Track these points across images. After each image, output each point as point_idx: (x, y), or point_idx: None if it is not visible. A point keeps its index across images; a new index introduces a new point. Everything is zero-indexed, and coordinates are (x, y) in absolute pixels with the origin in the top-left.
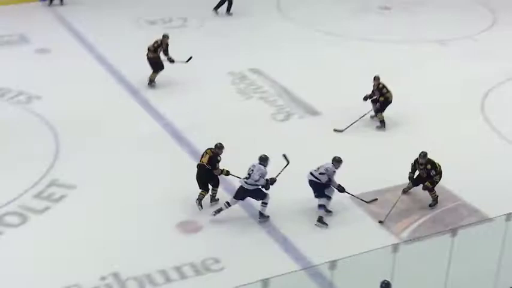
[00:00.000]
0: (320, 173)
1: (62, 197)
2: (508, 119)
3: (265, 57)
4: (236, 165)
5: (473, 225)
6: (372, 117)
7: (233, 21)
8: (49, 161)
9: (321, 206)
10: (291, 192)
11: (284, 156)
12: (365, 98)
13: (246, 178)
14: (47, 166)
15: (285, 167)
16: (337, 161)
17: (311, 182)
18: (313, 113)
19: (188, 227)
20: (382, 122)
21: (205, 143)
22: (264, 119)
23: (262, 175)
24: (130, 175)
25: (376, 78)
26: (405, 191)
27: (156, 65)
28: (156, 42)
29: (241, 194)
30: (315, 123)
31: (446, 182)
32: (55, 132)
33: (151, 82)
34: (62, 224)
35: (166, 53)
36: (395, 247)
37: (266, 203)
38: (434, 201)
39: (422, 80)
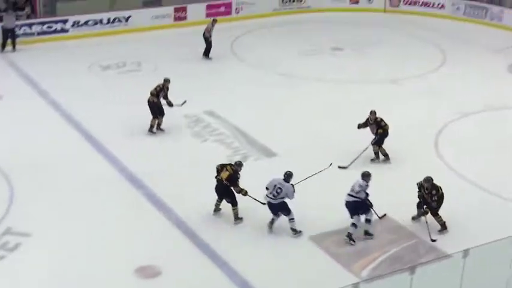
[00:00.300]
0: (357, 192)
1: (17, 245)
2: (461, 156)
3: (220, 99)
4: (195, 206)
5: (431, 263)
6: (372, 160)
7: (187, 64)
8: (3, 209)
9: (353, 224)
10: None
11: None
12: (359, 126)
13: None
14: (1, 214)
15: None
16: (366, 176)
17: (349, 204)
18: (269, 154)
19: (147, 272)
20: (387, 156)
21: (162, 187)
22: (220, 161)
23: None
24: (86, 221)
25: (373, 112)
26: (415, 218)
27: (158, 110)
28: (158, 86)
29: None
30: (271, 165)
31: (403, 220)
32: (8, 179)
33: (151, 128)
34: (18, 273)
35: (166, 97)
36: (355, 286)
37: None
38: (443, 227)
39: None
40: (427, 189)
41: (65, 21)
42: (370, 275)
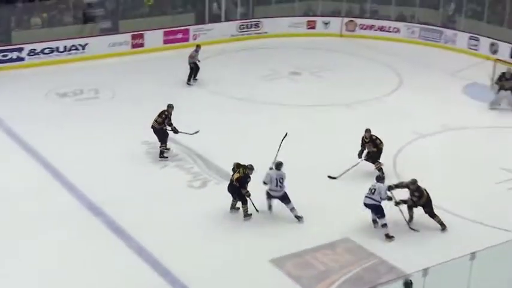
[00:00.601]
0: (378, 196)
1: None
2: (419, 176)
3: (179, 124)
4: (157, 233)
5: (391, 283)
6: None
7: (145, 89)
8: None
9: (384, 225)
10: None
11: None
12: (359, 155)
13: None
14: None
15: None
16: (382, 178)
17: (372, 206)
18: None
19: None
20: (381, 170)
21: (122, 215)
22: (181, 186)
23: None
24: (48, 253)
25: (368, 131)
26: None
27: (163, 135)
28: (164, 113)
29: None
30: None
31: (362, 241)
32: None
33: (162, 154)
34: None
35: (170, 123)
36: None
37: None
38: (443, 226)
39: (335, 141)
40: (412, 190)
41: (20, 50)
42: None
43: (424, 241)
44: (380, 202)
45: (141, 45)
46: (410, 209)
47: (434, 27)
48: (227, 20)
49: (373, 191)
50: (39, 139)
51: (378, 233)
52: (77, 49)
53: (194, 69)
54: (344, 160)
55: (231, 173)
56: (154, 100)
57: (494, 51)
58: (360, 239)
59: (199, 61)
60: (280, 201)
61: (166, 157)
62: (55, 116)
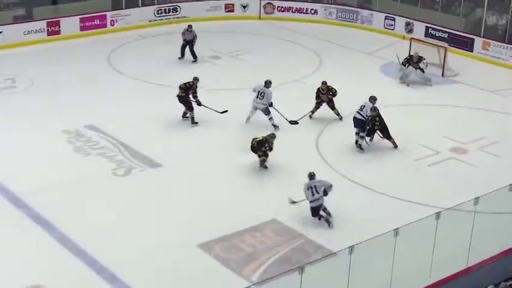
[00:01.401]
0: (366, 113)
1: None
2: (341, 156)
3: (100, 112)
4: (82, 223)
5: (319, 261)
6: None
7: (63, 78)
8: None
9: (362, 137)
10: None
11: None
12: (317, 104)
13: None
14: None
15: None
16: (374, 99)
17: (359, 121)
18: (154, 165)
19: None
20: (339, 115)
21: (46, 206)
22: (105, 175)
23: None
24: None
25: (324, 83)
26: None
27: (187, 105)
28: (188, 82)
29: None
30: (157, 175)
31: (289, 222)
32: None
33: (193, 120)
34: None
35: (195, 95)
36: None
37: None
38: (395, 145)
39: (260, 120)
40: (372, 116)
41: None
42: (261, 277)
43: (349, 220)
44: (365, 119)
45: (58, 32)
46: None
47: (351, 8)
48: (144, 4)
49: (362, 108)
50: None
51: (305, 213)
52: None
53: (186, 47)
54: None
55: (154, 160)
56: (73, 88)
57: (410, 31)
58: (287, 220)
59: (192, 40)
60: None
61: (197, 122)
62: None
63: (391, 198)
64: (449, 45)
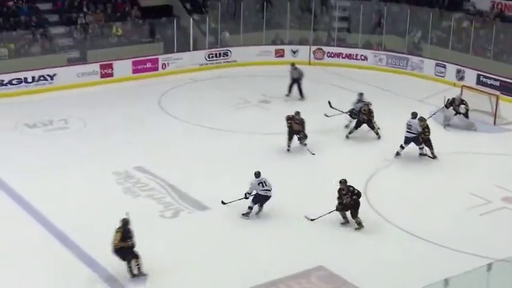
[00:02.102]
0: (416, 129)
1: None
2: (390, 202)
3: (150, 154)
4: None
5: None
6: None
7: (116, 120)
8: None
9: (422, 148)
10: None
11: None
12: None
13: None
14: None
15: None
16: (414, 114)
17: (412, 138)
18: (202, 208)
19: None
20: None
21: (93, 245)
22: (153, 216)
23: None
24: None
25: (344, 181)
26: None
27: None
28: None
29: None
30: (204, 219)
31: (336, 269)
32: None
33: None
34: None
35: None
36: None
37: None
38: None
39: (307, 166)
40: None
41: None
42: None
43: (397, 269)
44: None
45: (110, 75)
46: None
47: (401, 55)
48: (195, 49)
49: (409, 127)
50: (7, 170)
51: (351, 260)
52: (45, 79)
53: (294, 85)
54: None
55: (203, 202)
56: (124, 130)
57: (461, 78)
58: (333, 267)
59: (297, 78)
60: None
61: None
62: (25, 147)
63: (441, 247)
64: (501, 93)
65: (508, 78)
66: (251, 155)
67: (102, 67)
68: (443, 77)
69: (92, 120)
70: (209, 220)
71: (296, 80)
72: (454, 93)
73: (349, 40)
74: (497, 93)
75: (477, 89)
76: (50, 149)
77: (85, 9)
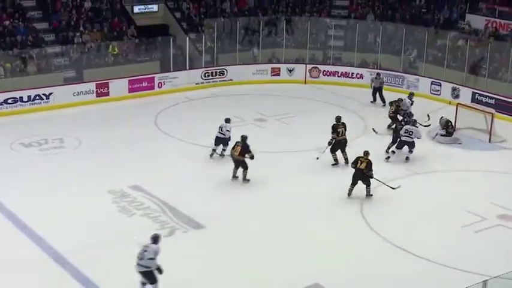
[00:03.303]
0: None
1: None
2: (387, 220)
3: (146, 173)
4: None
5: None
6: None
7: (110, 139)
8: None
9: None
10: None
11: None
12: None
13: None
14: None
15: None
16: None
17: (408, 143)
18: (197, 226)
19: None
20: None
21: (88, 264)
22: (149, 235)
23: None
24: None
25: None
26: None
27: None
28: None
29: None
30: (200, 237)
31: (332, 286)
32: None
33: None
34: None
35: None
36: None
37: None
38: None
39: (304, 185)
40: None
41: None
42: None
43: (395, 286)
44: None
45: (106, 94)
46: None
47: (397, 73)
48: (192, 67)
49: (410, 133)
50: (3, 189)
51: (347, 278)
52: (41, 98)
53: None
54: (314, 204)
55: (198, 221)
56: (119, 149)
57: (456, 96)
58: (330, 284)
59: (378, 87)
60: None
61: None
62: (20, 167)
63: (437, 264)
64: (496, 111)
65: (502, 96)
66: (249, 173)
67: (98, 86)
68: (438, 95)
69: (88, 140)
70: (205, 239)
71: (378, 88)
72: (449, 111)
73: (345, 59)
74: (493, 111)
75: (472, 107)
76: (45, 168)
77: (81, 29)
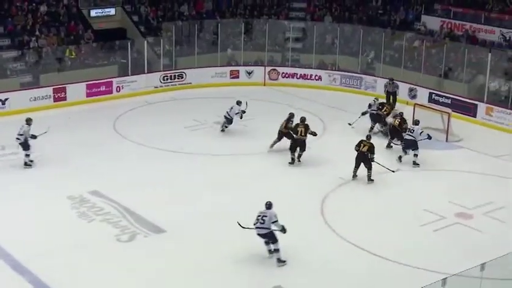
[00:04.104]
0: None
1: None
2: (346, 221)
3: (105, 178)
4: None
5: None
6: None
7: (67, 145)
8: None
9: (416, 155)
10: None
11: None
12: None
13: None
14: None
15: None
16: (417, 122)
17: (411, 141)
18: (158, 231)
19: None
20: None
21: (48, 271)
22: (109, 240)
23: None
24: None
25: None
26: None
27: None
28: (285, 121)
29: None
30: (161, 242)
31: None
32: None
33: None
34: None
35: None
36: None
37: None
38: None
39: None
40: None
41: None
42: None
43: (350, 286)
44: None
45: (64, 98)
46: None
47: (355, 74)
48: (150, 71)
49: (412, 131)
50: None
51: (308, 280)
52: None
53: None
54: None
55: (159, 225)
56: (78, 154)
57: (413, 96)
58: (291, 285)
59: (393, 91)
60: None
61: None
62: None
63: (396, 263)
64: (452, 111)
65: (459, 96)
66: (206, 176)
67: (56, 91)
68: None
69: (45, 145)
70: (166, 243)
71: (392, 93)
72: (406, 111)
73: (303, 61)
74: (449, 110)
75: (429, 107)
76: (2, 175)
77: (37, 33)
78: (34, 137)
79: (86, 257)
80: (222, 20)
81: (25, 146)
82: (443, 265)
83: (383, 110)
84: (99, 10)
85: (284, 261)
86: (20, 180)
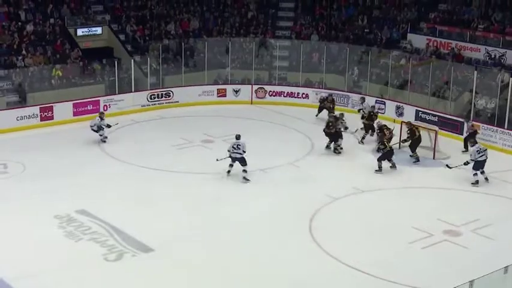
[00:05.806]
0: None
1: None
2: (334, 238)
3: (92, 197)
4: None
5: None
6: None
7: (56, 162)
8: None
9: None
10: None
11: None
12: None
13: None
14: None
15: None
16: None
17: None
18: (146, 249)
19: None
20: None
21: None
22: (97, 260)
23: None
24: None
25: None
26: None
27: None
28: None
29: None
30: (149, 260)
31: None
32: None
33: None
34: None
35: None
36: None
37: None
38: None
39: (252, 205)
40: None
41: None
42: None
43: None
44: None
45: (51, 117)
46: None
47: (342, 92)
48: (137, 90)
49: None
50: None
51: None
52: None
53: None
54: (262, 222)
55: (146, 244)
56: (65, 173)
57: (400, 114)
58: None
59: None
60: None
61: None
62: None
63: (385, 281)
64: (439, 129)
65: (445, 113)
66: (195, 194)
67: (42, 110)
68: (383, 113)
69: (32, 164)
70: (153, 262)
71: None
72: (394, 129)
73: (290, 79)
74: (436, 128)
75: (416, 125)
76: None
77: (24, 52)
78: (108, 126)
79: (73, 276)
80: (209, 38)
81: (98, 129)
82: (432, 282)
83: (385, 135)
84: (86, 29)
85: (249, 180)
86: (6, 199)
